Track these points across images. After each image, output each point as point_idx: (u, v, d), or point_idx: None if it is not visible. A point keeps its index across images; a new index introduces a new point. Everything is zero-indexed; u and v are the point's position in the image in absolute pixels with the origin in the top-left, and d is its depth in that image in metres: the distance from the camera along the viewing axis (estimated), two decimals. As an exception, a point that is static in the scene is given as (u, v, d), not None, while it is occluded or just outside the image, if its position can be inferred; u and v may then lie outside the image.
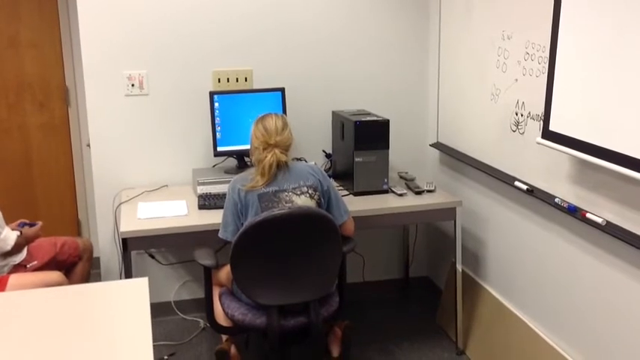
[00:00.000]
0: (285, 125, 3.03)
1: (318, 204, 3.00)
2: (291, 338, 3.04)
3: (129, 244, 3.15)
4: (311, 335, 2.97)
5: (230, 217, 2.98)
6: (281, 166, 2.97)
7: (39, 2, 4.47)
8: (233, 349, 3.13)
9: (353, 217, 3.18)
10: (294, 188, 2.97)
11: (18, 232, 3.33)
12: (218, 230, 3.09)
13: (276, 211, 2.78)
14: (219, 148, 3.72)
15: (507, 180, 3.25)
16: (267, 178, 2.93)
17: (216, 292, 3.13)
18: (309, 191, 2.99)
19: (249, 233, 2.77)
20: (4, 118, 4.57)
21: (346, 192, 3.58)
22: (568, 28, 2.59)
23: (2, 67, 4.50)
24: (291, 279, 2.88)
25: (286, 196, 2.95)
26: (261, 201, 2.92)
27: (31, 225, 3.45)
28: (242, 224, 2.91)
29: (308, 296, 2.92)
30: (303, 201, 2.96)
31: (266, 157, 2.94)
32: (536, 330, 3.17)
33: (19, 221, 3.46)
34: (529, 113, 3.05)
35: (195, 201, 3.47)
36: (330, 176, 3.17)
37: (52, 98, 4.63)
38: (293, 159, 3.16)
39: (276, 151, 2.95)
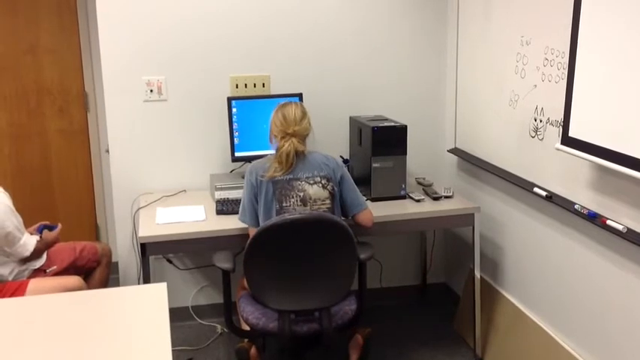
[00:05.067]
0: (304, 115, 3.10)
1: (332, 194, 3.05)
2: (305, 344, 3.05)
3: (147, 249, 3.17)
4: (323, 342, 2.97)
5: (247, 199, 3.07)
6: (298, 155, 3.04)
7: (58, 8, 4.51)
8: (253, 350, 3.15)
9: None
10: (308, 177, 3.03)
11: (37, 237, 3.35)
12: (236, 235, 3.15)
13: (287, 216, 2.80)
14: (236, 154, 3.73)
15: (526, 186, 3.23)
16: (284, 167, 3.00)
17: (239, 295, 3.16)
18: (322, 181, 3.04)
19: (262, 237, 2.80)
20: (23, 124, 4.61)
21: (364, 197, 3.57)
22: (587, 34, 2.57)
23: (22, 73, 4.54)
24: (302, 285, 2.89)
25: (299, 184, 3.01)
26: (275, 187, 3.00)
27: (51, 227, 3.48)
28: (257, 207, 3.03)
29: (318, 303, 2.92)
30: (315, 190, 3.02)
31: (283, 145, 3.01)
32: (556, 337, 3.14)
33: (38, 224, 3.48)
34: (548, 119, 3.03)
35: (213, 206, 3.48)
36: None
37: (72, 104, 4.67)
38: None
39: (294, 140, 3.02)
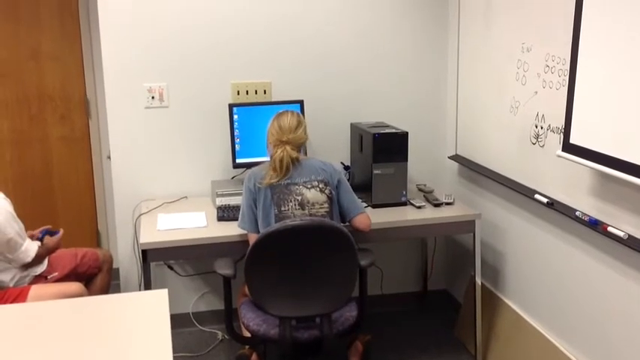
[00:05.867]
0: (299, 124, 3.15)
1: (329, 198, 3.08)
2: (306, 350, 3.05)
3: (148, 255, 3.17)
4: (323, 349, 2.97)
5: (246, 205, 3.10)
6: (293, 162, 3.07)
7: (60, 15, 4.52)
8: (254, 357, 3.16)
9: (371, 229, 3.21)
10: (305, 182, 3.06)
11: (39, 243, 3.35)
12: (237, 242, 3.15)
13: (288, 222, 2.81)
14: (238, 160, 3.74)
15: (527, 193, 3.23)
16: (279, 173, 3.04)
17: (240, 302, 3.16)
18: (320, 185, 3.07)
19: (263, 243, 2.81)
20: (25, 130, 4.61)
21: (365, 204, 3.57)
22: (588, 41, 2.58)
23: (24, 79, 4.55)
24: (303, 291, 2.90)
25: (297, 189, 3.04)
26: (273, 192, 3.03)
27: (53, 233, 3.48)
28: (256, 212, 3.05)
29: (319, 310, 2.92)
30: (313, 194, 3.05)
31: (276, 152, 3.06)
32: (557, 344, 3.14)
33: (41, 228, 3.48)
34: (549, 126, 3.03)
35: (214, 212, 3.48)
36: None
37: (73, 110, 4.67)
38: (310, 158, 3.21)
39: (287, 147, 3.07)
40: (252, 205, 3.08)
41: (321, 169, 3.11)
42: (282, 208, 3.02)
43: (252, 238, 2.99)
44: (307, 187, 3.05)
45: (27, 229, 3.34)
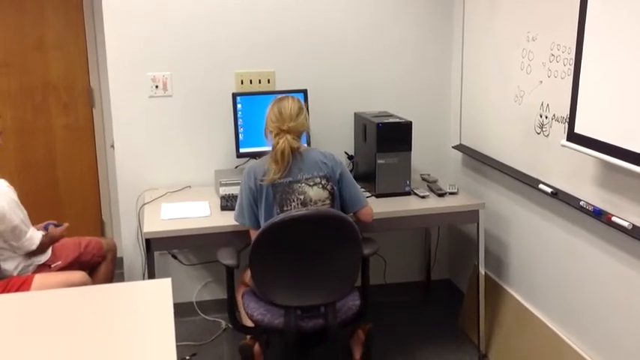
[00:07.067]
0: (300, 110, 3.06)
1: (331, 194, 3.04)
2: (310, 340, 3.05)
3: (152, 244, 3.17)
4: (328, 338, 2.97)
5: (246, 201, 3.03)
6: (294, 153, 3.00)
7: (64, 5, 4.52)
8: (257, 347, 3.15)
9: (375, 219, 3.21)
10: (307, 179, 3.01)
11: (43, 232, 3.36)
12: (240, 232, 3.13)
13: (294, 212, 2.80)
14: (241, 150, 3.73)
15: (531, 183, 3.23)
16: (280, 166, 2.96)
17: (241, 292, 3.15)
18: (322, 182, 3.02)
19: (268, 234, 2.79)
20: (29, 120, 4.62)
21: (368, 194, 3.57)
22: (594, 30, 2.56)
23: (28, 69, 4.55)
24: (307, 281, 2.89)
25: (299, 187, 2.99)
26: (276, 191, 2.97)
27: (57, 226, 3.49)
28: (256, 210, 3.00)
29: (324, 299, 2.92)
30: (316, 192, 3.00)
31: (278, 142, 2.98)
32: (560, 334, 3.14)
33: (45, 222, 3.49)
34: (554, 115, 3.02)
35: (217, 202, 3.48)
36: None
37: (77, 100, 4.68)
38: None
39: (288, 137, 2.99)
40: (252, 203, 3.02)
41: (322, 163, 3.05)
42: (285, 208, 2.97)
43: (254, 233, 2.96)
44: (309, 185, 3.01)
45: (31, 218, 3.35)
